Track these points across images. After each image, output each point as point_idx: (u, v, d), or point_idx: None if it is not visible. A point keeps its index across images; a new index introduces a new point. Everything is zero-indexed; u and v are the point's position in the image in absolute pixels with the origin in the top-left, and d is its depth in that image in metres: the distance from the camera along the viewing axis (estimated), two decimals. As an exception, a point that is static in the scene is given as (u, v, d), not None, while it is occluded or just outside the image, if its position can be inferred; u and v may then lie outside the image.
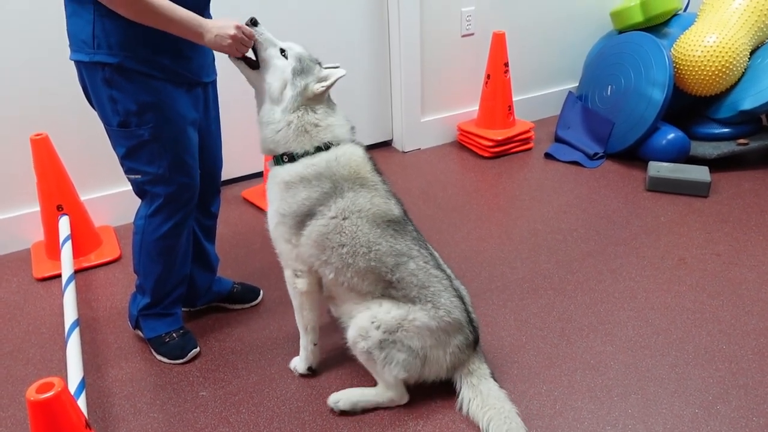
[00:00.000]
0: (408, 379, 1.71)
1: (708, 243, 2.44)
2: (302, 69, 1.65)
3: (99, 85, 1.67)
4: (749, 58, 3.04)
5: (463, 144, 3.42)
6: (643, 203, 2.75)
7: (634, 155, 3.10)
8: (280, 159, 1.68)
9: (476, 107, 3.40)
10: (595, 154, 3.14)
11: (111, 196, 2.70)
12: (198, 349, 2.01)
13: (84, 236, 2.48)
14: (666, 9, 3.19)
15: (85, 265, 2.45)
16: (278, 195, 1.69)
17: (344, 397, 1.74)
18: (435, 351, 1.68)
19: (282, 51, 1.66)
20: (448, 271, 1.77)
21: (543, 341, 1.97)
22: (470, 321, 1.73)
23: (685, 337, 1.96)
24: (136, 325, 2.04)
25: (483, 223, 2.65)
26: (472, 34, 3.30)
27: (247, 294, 2.23)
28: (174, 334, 2.00)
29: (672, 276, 2.26)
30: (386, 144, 3.45)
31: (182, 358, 1.97)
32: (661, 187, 2.82)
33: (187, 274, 2.01)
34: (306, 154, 1.66)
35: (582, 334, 1.99)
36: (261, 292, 2.25)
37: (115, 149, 1.79)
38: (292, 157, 1.66)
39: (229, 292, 2.21)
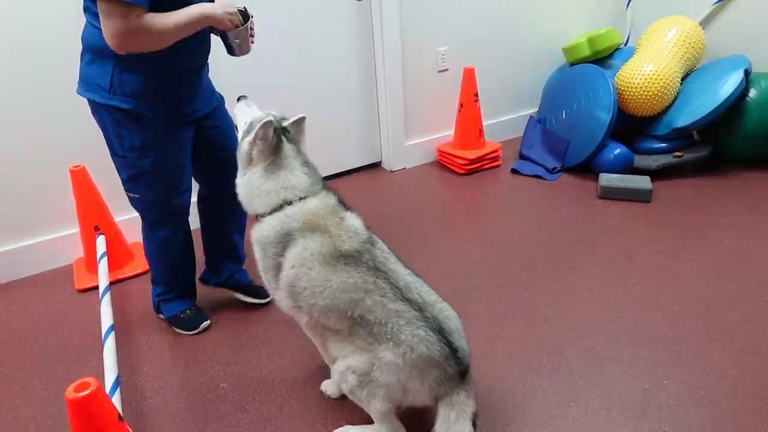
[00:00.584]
0: (395, 405, 1.44)
1: (652, 242, 2.43)
2: (246, 131, 1.51)
3: (108, 123, 1.69)
4: (680, 84, 3.05)
5: (441, 163, 3.41)
6: (596, 209, 2.74)
7: (587, 168, 3.09)
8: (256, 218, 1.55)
9: (452, 131, 3.39)
10: (554, 168, 3.14)
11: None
12: (209, 321, 2.08)
13: (118, 252, 2.46)
14: (609, 44, 3.20)
15: (120, 276, 2.42)
16: (257, 254, 1.55)
17: None
18: (412, 383, 1.38)
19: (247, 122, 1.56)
20: (424, 298, 1.42)
21: (514, 330, 1.95)
22: (453, 352, 1.38)
23: (634, 323, 1.94)
24: (158, 309, 2.11)
25: (461, 231, 2.64)
26: (447, 69, 3.30)
27: (262, 290, 2.16)
28: (188, 311, 2.07)
29: (622, 271, 2.24)
30: (376, 165, 3.43)
31: (196, 329, 2.04)
32: (610, 195, 2.82)
33: (191, 268, 2.07)
34: (264, 215, 1.50)
35: (547, 323, 1.97)
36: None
37: (118, 174, 1.80)
38: (261, 217, 1.52)
39: (248, 285, 2.19)
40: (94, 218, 2.37)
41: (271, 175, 1.49)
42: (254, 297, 2.18)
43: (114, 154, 1.75)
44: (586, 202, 2.81)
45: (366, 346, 1.40)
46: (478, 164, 3.26)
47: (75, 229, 2.51)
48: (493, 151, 3.29)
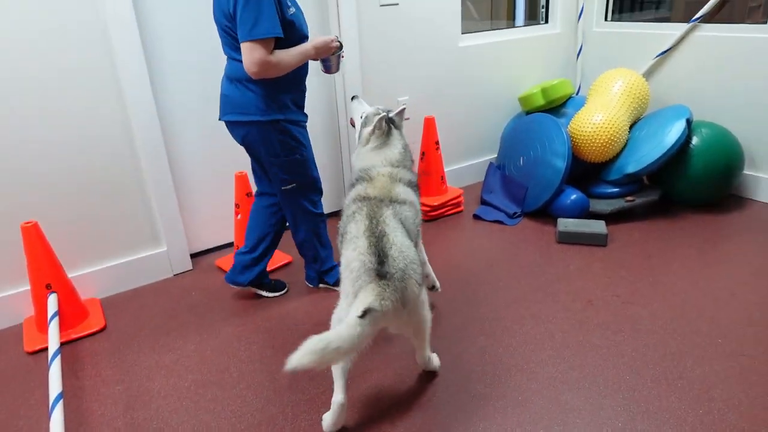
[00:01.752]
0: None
1: (609, 286, 2.49)
2: (364, 123, 2.05)
3: (272, 134, 2.17)
4: (629, 132, 3.19)
5: (404, 209, 3.42)
6: (555, 254, 2.79)
7: (546, 213, 3.17)
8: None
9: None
10: (514, 213, 3.20)
11: (97, 272, 2.59)
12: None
13: (72, 310, 2.35)
14: (562, 94, 3.34)
15: (74, 336, 2.31)
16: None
17: None
18: (347, 272, 1.65)
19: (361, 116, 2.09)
20: (387, 251, 1.61)
21: (478, 382, 1.94)
22: (381, 257, 1.59)
23: (595, 371, 1.96)
24: (319, 281, 2.62)
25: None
26: (408, 118, 3.36)
27: (278, 285, 2.62)
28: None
29: (582, 317, 2.28)
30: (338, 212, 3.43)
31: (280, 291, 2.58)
32: (568, 239, 2.88)
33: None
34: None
35: (510, 374, 1.97)
36: (287, 285, 2.64)
37: (279, 175, 2.26)
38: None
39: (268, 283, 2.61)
40: (46, 276, 2.28)
41: (379, 151, 1.99)
42: (273, 291, 2.60)
43: (275, 156, 2.22)
44: (546, 247, 2.86)
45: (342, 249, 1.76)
46: (442, 210, 3.30)
47: (26, 287, 2.41)
48: (456, 197, 3.34)
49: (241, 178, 2.68)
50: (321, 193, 2.42)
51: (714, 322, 2.19)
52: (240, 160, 2.91)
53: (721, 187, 3.07)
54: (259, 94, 2.10)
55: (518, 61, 3.71)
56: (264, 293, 2.58)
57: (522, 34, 3.72)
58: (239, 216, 2.72)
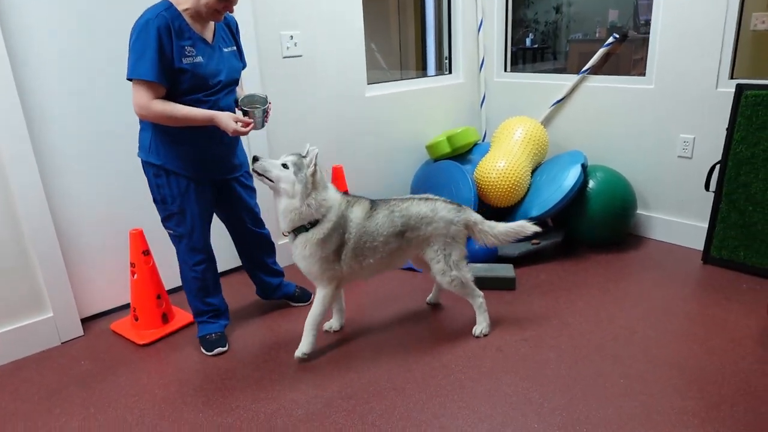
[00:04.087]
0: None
1: (518, 330, 2.51)
2: (298, 168, 2.11)
3: (150, 176, 2.21)
4: (531, 177, 3.31)
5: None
6: (465, 301, 2.79)
7: (457, 258, 3.18)
8: (303, 228, 2.17)
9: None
10: (426, 259, 3.20)
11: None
12: (225, 348, 2.43)
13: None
14: (467, 141, 3.43)
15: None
16: (316, 248, 2.17)
17: None
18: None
19: (283, 164, 2.11)
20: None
21: (387, 442, 1.86)
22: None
23: (505, 421, 1.93)
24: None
25: (334, 336, 2.56)
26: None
27: (303, 296, 2.82)
28: (213, 335, 2.45)
29: (492, 364, 2.26)
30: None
31: (210, 352, 2.41)
32: (477, 284, 2.87)
33: (216, 296, 2.48)
34: (323, 217, 2.16)
35: (420, 431, 1.91)
36: (312, 295, 2.66)
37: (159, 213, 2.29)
38: (315, 223, 2.15)
39: (292, 294, 2.79)
40: None
41: (323, 194, 2.17)
42: (298, 302, 2.79)
43: (154, 200, 2.25)
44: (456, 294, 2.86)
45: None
46: (353, 259, 3.23)
47: None
48: (367, 246, 3.29)
49: (136, 236, 2.51)
50: (199, 255, 2.36)
51: (616, 361, 2.24)
52: (135, 215, 2.74)
53: (618, 227, 3.23)
54: (148, 134, 2.16)
55: (425, 110, 3.80)
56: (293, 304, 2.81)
57: (428, 84, 3.83)
58: (135, 276, 2.54)
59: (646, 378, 2.13)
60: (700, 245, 3.15)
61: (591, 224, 3.17)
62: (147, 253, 2.55)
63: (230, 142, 2.29)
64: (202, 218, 2.31)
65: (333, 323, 2.55)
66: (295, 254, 2.24)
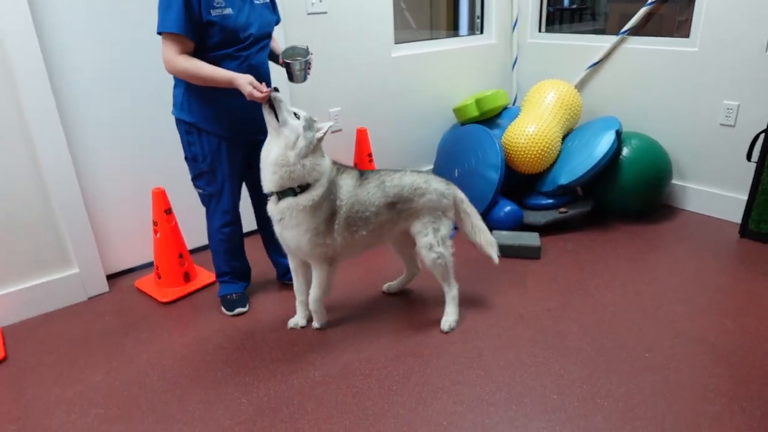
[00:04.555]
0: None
1: (541, 300, 2.46)
2: (309, 126, 1.99)
3: (182, 132, 2.19)
4: (562, 143, 3.20)
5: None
6: (489, 267, 2.74)
7: (481, 225, 3.13)
8: (291, 191, 1.99)
9: (349, 191, 3.34)
10: (450, 226, 3.15)
11: (-4, 298, 2.38)
12: (245, 309, 2.45)
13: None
14: (495, 105, 3.32)
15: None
16: (305, 216, 2.01)
17: None
18: None
19: (295, 114, 1.98)
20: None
21: (402, 407, 1.85)
22: None
23: (523, 391, 1.91)
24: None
25: (356, 290, 2.55)
26: (340, 130, 3.28)
27: None
28: (234, 295, 2.47)
29: (513, 333, 2.23)
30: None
31: (230, 312, 2.43)
32: (502, 252, 2.79)
33: (240, 258, 2.48)
34: (315, 182, 2.01)
35: (436, 397, 1.89)
36: None
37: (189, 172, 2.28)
38: (305, 188, 1.99)
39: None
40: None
41: (320, 160, 2.04)
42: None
43: (185, 157, 2.23)
44: (480, 261, 2.80)
45: None
46: (376, 224, 3.20)
47: None
48: (390, 210, 3.25)
49: (158, 194, 2.52)
50: (226, 216, 2.32)
51: (641, 335, 2.18)
52: (157, 174, 2.74)
53: (651, 197, 3.11)
54: (180, 91, 2.13)
55: (453, 72, 3.69)
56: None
57: (457, 44, 3.70)
58: (158, 234, 2.56)
59: (671, 353, 2.06)
60: (737, 218, 3.02)
61: (622, 194, 3.06)
62: (169, 212, 2.56)
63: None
64: (232, 179, 2.26)
65: (298, 320, 2.35)
66: (281, 225, 2.06)
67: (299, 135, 1.95)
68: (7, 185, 2.32)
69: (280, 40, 2.86)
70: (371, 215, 2.10)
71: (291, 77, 2.12)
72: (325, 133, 2.01)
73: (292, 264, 2.26)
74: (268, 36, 2.18)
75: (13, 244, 2.39)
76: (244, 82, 1.95)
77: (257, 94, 1.93)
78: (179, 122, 2.17)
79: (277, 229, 2.09)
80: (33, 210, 2.41)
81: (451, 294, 2.30)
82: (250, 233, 3.15)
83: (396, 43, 3.39)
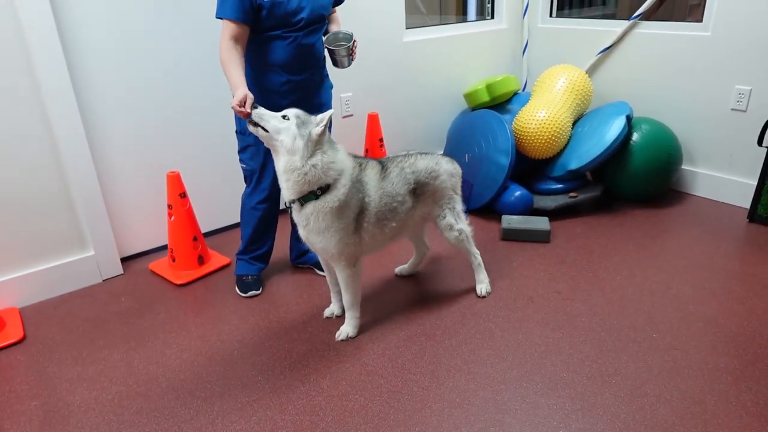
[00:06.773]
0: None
1: (550, 282, 2.51)
2: (302, 122, 1.89)
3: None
4: (572, 128, 3.23)
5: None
6: (499, 251, 2.81)
7: (491, 210, 3.18)
8: (313, 195, 1.93)
9: (359, 176, 3.39)
10: (460, 210, 3.20)
11: (16, 279, 2.45)
12: (258, 292, 2.51)
13: (-13, 321, 2.23)
14: (506, 90, 3.36)
15: (-11, 348, 2.19)
16: (332, 218, 1.96)
17: None
18: None
19: (284, 116, 1.90)
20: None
21: (416, 385, 1.92)
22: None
23: (533, 369, 1.97)
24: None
25: (367, 273, 2.61)
26: (352, 115, 3.32)
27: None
28: (250, 277, 2.53)
29: (523, 315, 2.29)
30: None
31: (244, 294, 2.50)
32: (512, 236, 2.90)
33: (267, 241, 2.53)
34: (335, 181, 1.94)
35: (449, 375, 1.96)
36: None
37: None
38: (326, 189, 1.93)
39: (318, 261, 2.63)
40: (-45, 285, 2.14)
41: (333, 155, 1.94)
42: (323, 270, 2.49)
43: (235, 131, 2.32)
44: (490, 244, 2.87)
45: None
46: (386, 208, 3.26)
47: (-67, 297, 2.26)
48: (400, 195, 3.31)
49: (173, 178, 2.58)
50: (263, 193, 2.38)
51: (650, 316, 2.24)
52: (173, 158, 2.80)
53: (660, 182, 3.15)
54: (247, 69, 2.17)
55: (464, 57, 3.72)
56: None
57: (468, 29, 3.73)
58: (173, 218, 2.63)
59: (679, 334, 2.12)
60: (746, 203, 3.06)
61: (632, 179, 3.11)
62: (184, 195, 2.62)
63: (316, 79, 2.29)
64: None
65: (334, 308, 2.36)
66: (307, 229, 2.01)
67: (295, 135, 1.87)
68: (24, 169, 2.38)
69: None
70: (398, 205, 2.12)
71: (335, 63, 2.19)
72: (324, 126, 1.89)
73: (322, 260, 2.29)
74: (321, 18, 2.21)
75: (30, 227, 2.46)
76: (238, 95, 1.94)
77: (238, 109, 1.92)
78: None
79: (303, 233, 2.05)
80: (50, 194, 2.48)
81: (477, 261, 2.43)
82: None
83: (407, 28, 3.42)
